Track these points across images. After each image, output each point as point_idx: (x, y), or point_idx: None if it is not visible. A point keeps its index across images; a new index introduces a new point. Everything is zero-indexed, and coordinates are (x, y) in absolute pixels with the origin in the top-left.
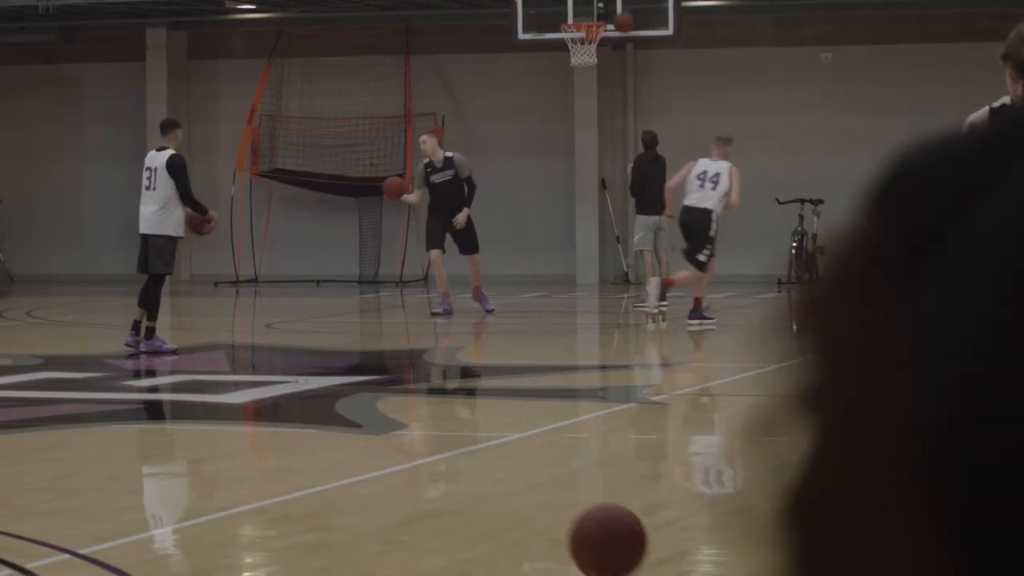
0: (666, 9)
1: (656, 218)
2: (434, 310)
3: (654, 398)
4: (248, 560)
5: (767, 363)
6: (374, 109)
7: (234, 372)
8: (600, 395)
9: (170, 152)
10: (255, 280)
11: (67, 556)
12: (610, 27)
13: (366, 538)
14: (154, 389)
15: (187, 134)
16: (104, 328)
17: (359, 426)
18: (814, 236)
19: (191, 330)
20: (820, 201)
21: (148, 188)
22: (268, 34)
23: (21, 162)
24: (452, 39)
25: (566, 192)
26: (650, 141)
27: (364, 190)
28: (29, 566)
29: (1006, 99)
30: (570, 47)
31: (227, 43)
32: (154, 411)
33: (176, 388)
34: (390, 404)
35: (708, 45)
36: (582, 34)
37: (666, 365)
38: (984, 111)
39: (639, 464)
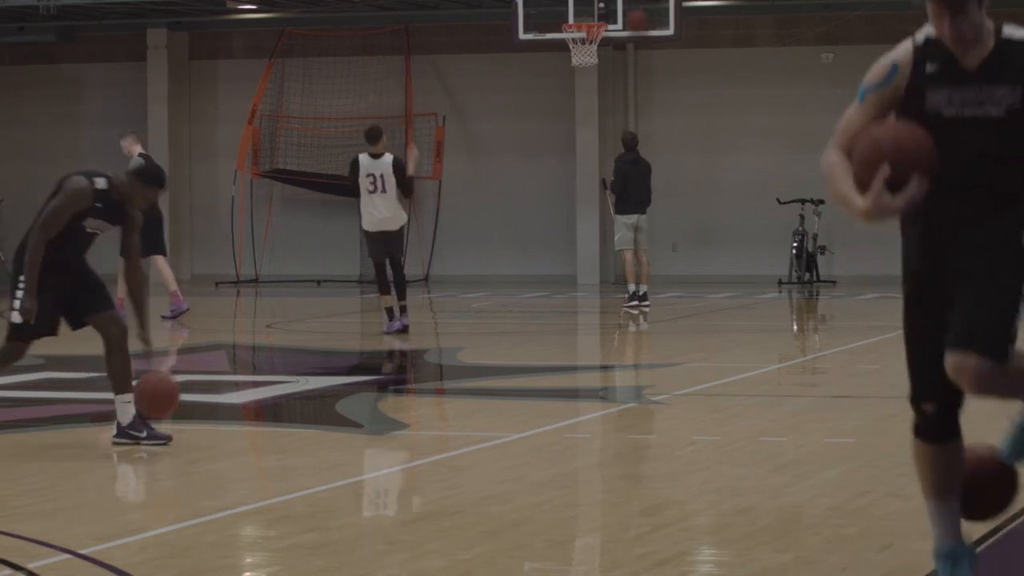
0: (667, 9)
1: (636, 217)
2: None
3: (654, 398)
4: (248, 560)
5: (767, 363)
6: (374, 109)
7: (234, 372)
8: (600, 395)
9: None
10: (256, 280)
11: (67, 556)
12: (611, 27)
13: (366, 538)
14: None
15: (188, 134)
16: None
17: (359, 426)
18: (814, 236)
19: (191, 330)
20: (821, 201)
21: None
22: (268, 34)
23: (21, 162)
24: (452, 39)
25: (566, 192)
26: (630, 142)
27: None
28: (29, 566)
29: (929, 31)
30: (571, 47)
31: (228, 43)
32: None
33: None
34: (390, 404)
35: (709, 45)
36: (583, 34)
37: (666, 365)
38: (907, 47)
39: (639, 464)
